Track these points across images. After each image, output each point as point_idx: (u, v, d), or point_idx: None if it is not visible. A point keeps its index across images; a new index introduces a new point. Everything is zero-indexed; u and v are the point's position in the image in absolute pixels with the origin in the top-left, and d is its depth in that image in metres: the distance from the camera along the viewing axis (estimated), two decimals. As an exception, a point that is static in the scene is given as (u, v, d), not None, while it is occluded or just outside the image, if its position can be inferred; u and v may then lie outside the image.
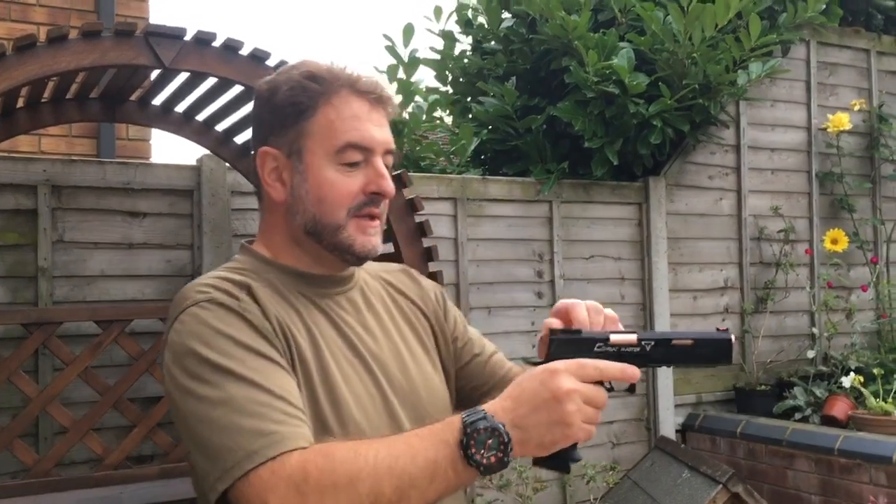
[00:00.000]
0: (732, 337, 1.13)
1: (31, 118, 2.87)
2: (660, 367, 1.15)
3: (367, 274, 1.39)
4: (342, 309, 1.27)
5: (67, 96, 2.88)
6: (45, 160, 3.15)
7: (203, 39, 2.35)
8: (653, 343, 1.11)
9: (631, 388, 1.12)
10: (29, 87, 2.48)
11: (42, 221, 3.06)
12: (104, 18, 4.11)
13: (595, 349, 1.10)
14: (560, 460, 1.08)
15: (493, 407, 1.05)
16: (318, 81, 1.22)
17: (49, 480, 2.81)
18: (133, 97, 3.02)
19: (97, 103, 2.98)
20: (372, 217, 1.25)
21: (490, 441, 1.01)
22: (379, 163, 1.24)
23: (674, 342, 1.11)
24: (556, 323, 1.19)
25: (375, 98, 1.24)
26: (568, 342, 1.12)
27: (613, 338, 1.11)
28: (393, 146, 1.26)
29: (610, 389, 1.08)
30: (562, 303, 1.22)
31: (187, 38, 2.34)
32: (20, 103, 2.80)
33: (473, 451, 1.01)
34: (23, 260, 3.05)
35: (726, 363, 1.14)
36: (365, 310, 1.31)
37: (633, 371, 1.09)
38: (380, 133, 1.23)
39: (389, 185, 1.23)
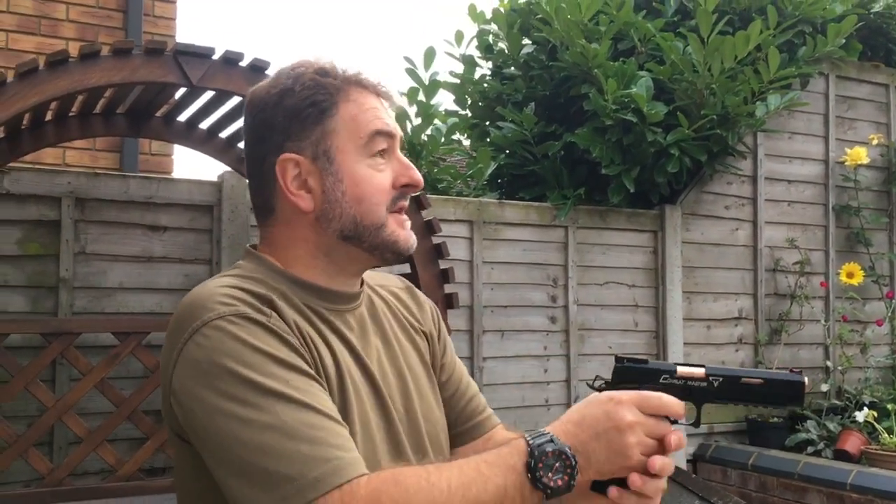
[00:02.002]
0: (806, 379, 1.08)
1: (59, 131, 2.92)
2: (725, 404, 1.11)
3: (373, 288, 1.33)
4: (349, 328, 1.21)
5: (94, 111, 2.93)
6: (69, 173, 3.21)
7: (231, 59, 2.40)
8: (721, 379, 1.08)
9: (696, 423, 1.09)
10: (58, 101, 2.53)
11: (65, 233, 3.10)
12: (132, 35, 4.18)
13: (661, 380, 1.08)
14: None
15: (556, 430, 1.03)
16: (333, 76, 1.17)
17: (62, 490, 2.83)
18: (158, 114, 3.07)
19: (123, 118, 3.03)
20: (401, 210, 1.20)
21: (557, 464, 1.00)
22: (401, 155, 1.20)
23: (743, 380, 1.08)
24: None
25: (383, 92, 1.21)
26: (633, 371, 1.09)
27: (680, 370, 1.08)
28: (402, 136, 1.22)
29: (674, 422, 1.06)
30: None
31: (215, 57, 2.39)
32: (48, 116, 2.86)
33: (541, 474, 0.99)
34: (44, 270, 3.09)
35: (796, 406, 1.10)
36: (372, 330, 1.26)
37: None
38: (395, 123, 1.21)
39: (418, 176, 1.20)
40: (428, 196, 3.12)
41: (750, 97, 4.23)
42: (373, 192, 1.16)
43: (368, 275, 1.30)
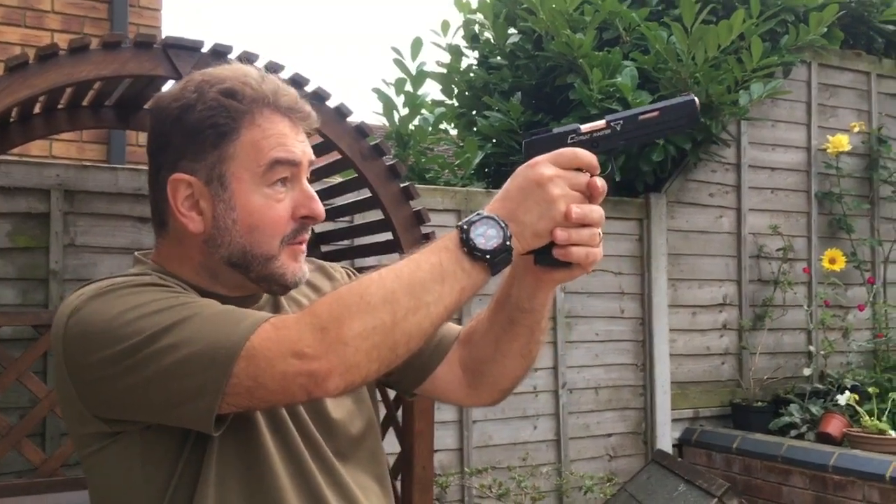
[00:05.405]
0: (696, 98, 1.13)
1: (47, 124, 2.92)
2: (634, 143, 1.15)
3: None
4: None
5: (83, 103, 2.94)
6: (58, 165, 3.21)
7: (219, 52, 2.40)
8: (621, 122, 1.12)
9: (611, 173, 1.13)
10: (47, 94, 2.53)
11: (54, 225, 3.11)
12: (117, 26, 4.17)
13: (569, 141, 1.11)
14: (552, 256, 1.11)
15: (485, 209, 1.06)
16: (238, 99, 1.10)
17: (55, 480, 2.85)
18: (146, 105, 3.08)
19: (111, 111, 3.03)
20: (301, 242, 1.16)
21: (489, 230, 1.02)
22: (306, 184, 1.15)
23: (641, 117, 1.12)
24: None
25: (299, 116, 1.15)
26: (541, 141, 1.12)
27: (584, 126, 1.12)
28: (314, 159, 1.18)
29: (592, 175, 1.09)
30: None
31: (204, 50, 2.40)
32: (37, 109, 2.86)
33: (474, 242, 1.01)
34: (34, 263, 3.10)
35: (694, 125, 1.14)
36: None
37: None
38: (304, 148, 1.15)
39: (320, 208, 1.15)
40: (416, 186, 3.15)
41: (733, 86, 4.28)
42: (266, 224, 1.11)
43: None
